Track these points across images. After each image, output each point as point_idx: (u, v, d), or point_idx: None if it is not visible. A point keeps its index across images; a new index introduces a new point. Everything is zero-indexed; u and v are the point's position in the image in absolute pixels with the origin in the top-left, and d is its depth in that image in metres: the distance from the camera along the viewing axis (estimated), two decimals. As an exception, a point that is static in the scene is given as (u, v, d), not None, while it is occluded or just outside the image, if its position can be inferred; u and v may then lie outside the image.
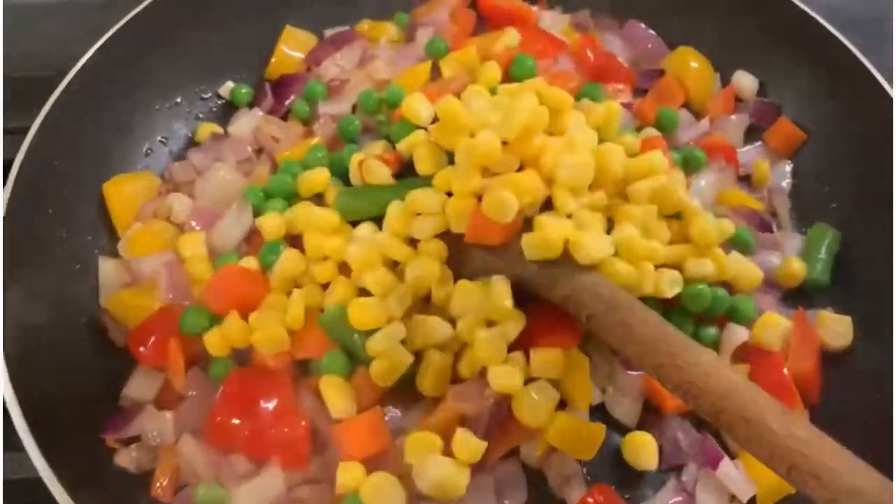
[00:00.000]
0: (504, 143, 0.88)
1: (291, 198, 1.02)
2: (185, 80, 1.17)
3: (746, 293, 0.95)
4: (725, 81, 1.18)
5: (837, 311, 0.97)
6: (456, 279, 0.89)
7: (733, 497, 0.86)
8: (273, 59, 1.21)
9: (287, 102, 1.16)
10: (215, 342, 0.90)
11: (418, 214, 0.90)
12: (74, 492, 0.73)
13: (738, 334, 0.92)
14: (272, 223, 0.97)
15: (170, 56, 1.14)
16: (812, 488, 0.67)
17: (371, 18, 1.25)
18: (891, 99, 1.01)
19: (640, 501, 0.87)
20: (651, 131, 1.07)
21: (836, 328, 0.94)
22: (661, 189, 0.92)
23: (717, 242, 0.93)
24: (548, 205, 0.89)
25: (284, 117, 1.15)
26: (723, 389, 0.72)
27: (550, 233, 0.84)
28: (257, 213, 1.00)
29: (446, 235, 0.90)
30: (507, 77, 1.07)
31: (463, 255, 0.90)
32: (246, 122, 1.14)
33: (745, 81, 1.17)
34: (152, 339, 0.92)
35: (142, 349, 0.91)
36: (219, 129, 1.14)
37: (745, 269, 0.94)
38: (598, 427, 0.86)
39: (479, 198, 0.87)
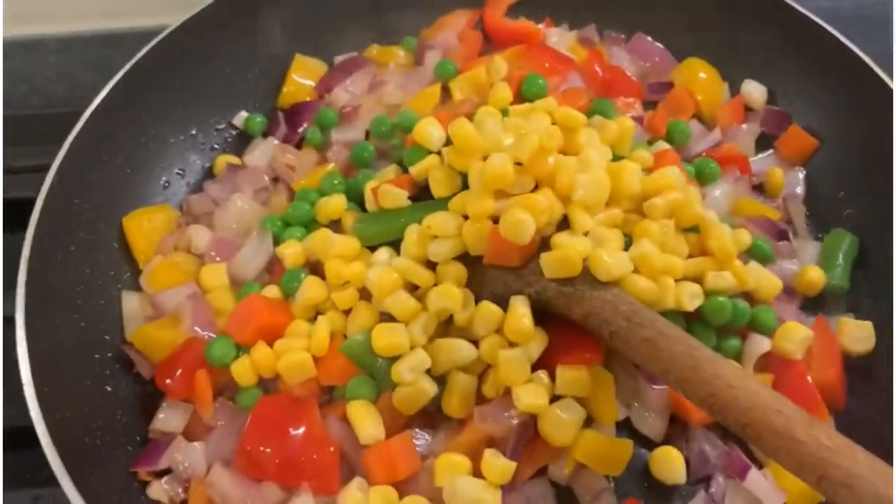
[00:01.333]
0: (518, 163, 0.89)
1: (310, 225, 1.04)
2: (198, 112, 1.18)
3: (766, 303, 0.95)
4: (734, 91, 1.19)
5: (858, 317, 0.97)
6: (476, 300, 0.89)
7: (760, 505, 0.86)
8: (285, 88, 1.23)
9: (300, 130, 1.18)
10: (242, 372, 0.91)
11: (435, 237, 0.91)
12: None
13: (760, 345, 0.92)
14: (292, 251, 0.98)
15: (183, 89, 1.16)
16: (843, 498, 0.67)
17: (379, 43, 1.27)
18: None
19: (671, 515, 0.87)
20: (663, 144, 1.08)
21: (857, 334, 0.95)
22: (678, 204, 0.92)
23: (736, 254, 0.93)
24: (564, 223, 0.90)
25: (298, 145, 1.17)
26: (748, 401, 0.72)
27: (569, 251, 0.85)
28: (276, 241, 1.02)
29: (464, 257, 0.91)
30: (519, 97, 1.08)
31: (482, 277, 0.91)
32: (261, 152, 1.16)
33: (755, 90, 1.18)
34: (179, 371, 0.92)
35: (168, 382, 0.92)
36: (235, 160, 1.16)
37: (764, 279, 0.95)
38: (625, 443, 0.87)
39: (496, 219, 0.88)
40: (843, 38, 1.09)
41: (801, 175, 1.11)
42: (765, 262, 0.99)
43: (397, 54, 1.25)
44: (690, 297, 0.89)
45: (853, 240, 1.02)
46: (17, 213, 1.16)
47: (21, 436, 0.87)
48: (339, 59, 1.26)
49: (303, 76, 1.23)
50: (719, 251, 0.92)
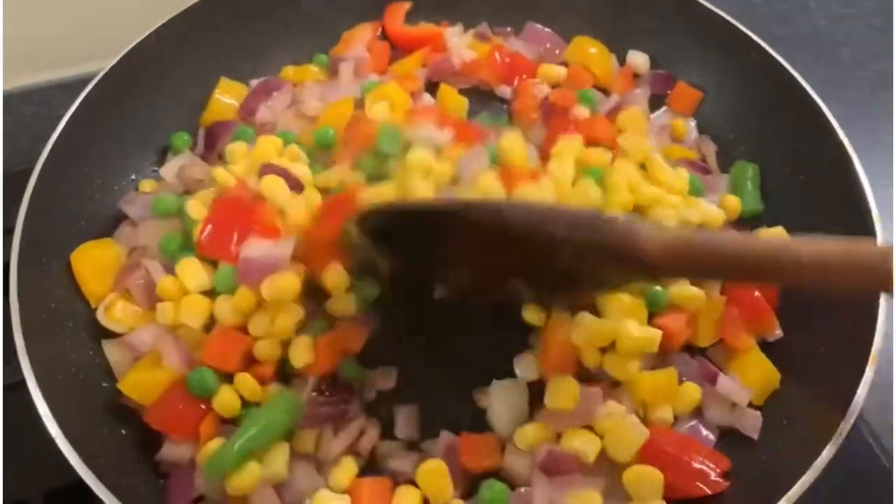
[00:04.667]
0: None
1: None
2: (134, 157, 1.20)
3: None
4: (621, 62, 1.33)
5: (769, 227, 1.11)
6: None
7: (734, 405, 0.99)
8: (208, 107, 1.25)
9: (216, 149, 1.20)
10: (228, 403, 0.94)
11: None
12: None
13: None
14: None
15: (115, 138, 1.17)
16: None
17: (293, 64, 1.32)
18: (758, 45, 1.19)
19: (666, 428, 0.99)
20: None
21: (774, 240, 1.10)
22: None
23: (684, 186, 1.09)
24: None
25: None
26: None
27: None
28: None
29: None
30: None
31: None
32: (172, 166, 1.18)
33: (639, 58, 1.32)
34: (172, 416, 0.93)
35: (165, 426, 0.93)
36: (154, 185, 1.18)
37: (710, 211, 1.09)
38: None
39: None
40: (707, 4, 1.25)
41: (693, 124, 1.27)
42: (700, 195, 1.13)
43: (312, 71, 1.31)
44: (664, 217, 1.04)
45: (755, 168, 1.17)
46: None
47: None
48: (254, 82, 1.30)
49: (227, 96, 1.26)
50: (667, 183, 1.07)
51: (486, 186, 1.00)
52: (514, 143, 1.09)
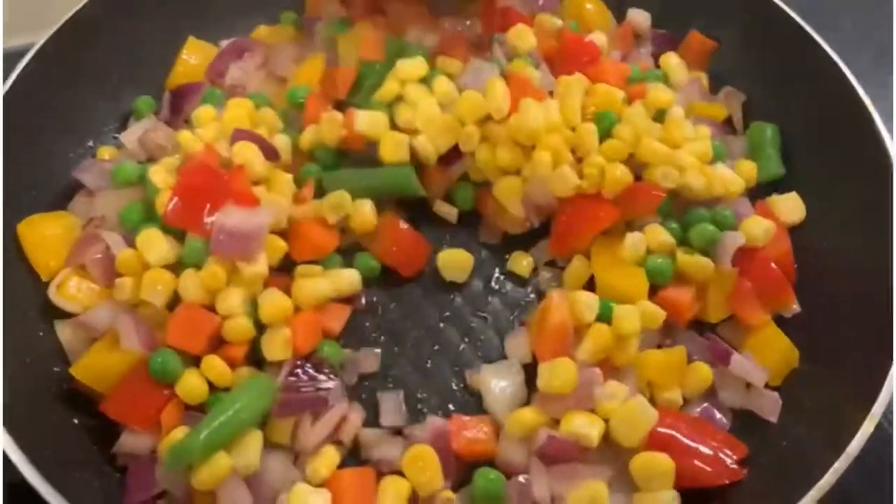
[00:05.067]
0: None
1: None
2: (92, 123, 1.11)
3: (732, 199, 1.01)
4: (619, 19, 1.24)
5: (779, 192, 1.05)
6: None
7: (749, 385, 0.92)
8: (175, 69, 1.17)
9: (183, 113, 1.11)
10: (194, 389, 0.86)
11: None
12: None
13: (736, 239, 0.94)
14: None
15: (71, 103, 1.08)
16: None
17: (267, 24, 1.23)
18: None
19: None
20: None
21: (787, 207, 1.03)
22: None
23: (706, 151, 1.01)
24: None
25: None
26: None
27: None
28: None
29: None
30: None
31: None
32: (134, 132, 1.09)
33: (640, 16, 1.24)
34: (131, 403, 0.86)
35: (123, 414, 0.86)
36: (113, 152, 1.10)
37: (729, 178, 1.00)
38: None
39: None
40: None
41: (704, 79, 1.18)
42: (721, 159, 1.04)
43: (285, 31, 1.22)
44: (664, 177, 0.96)
45: (774, 128, 1.09)
46: None
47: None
48: (224, 42, 1.20)
49: (195, 57, 1.18)
50: (682, 142, 1.00)
51: (494, 94, 0.97)
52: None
